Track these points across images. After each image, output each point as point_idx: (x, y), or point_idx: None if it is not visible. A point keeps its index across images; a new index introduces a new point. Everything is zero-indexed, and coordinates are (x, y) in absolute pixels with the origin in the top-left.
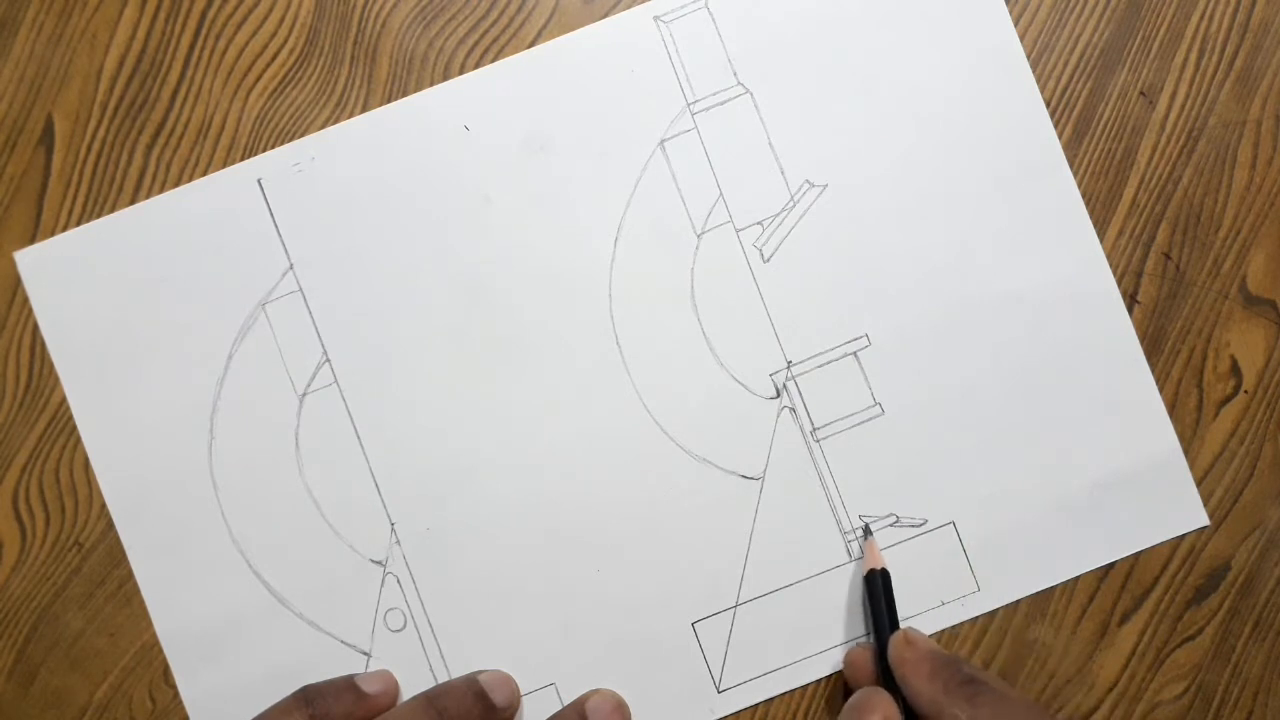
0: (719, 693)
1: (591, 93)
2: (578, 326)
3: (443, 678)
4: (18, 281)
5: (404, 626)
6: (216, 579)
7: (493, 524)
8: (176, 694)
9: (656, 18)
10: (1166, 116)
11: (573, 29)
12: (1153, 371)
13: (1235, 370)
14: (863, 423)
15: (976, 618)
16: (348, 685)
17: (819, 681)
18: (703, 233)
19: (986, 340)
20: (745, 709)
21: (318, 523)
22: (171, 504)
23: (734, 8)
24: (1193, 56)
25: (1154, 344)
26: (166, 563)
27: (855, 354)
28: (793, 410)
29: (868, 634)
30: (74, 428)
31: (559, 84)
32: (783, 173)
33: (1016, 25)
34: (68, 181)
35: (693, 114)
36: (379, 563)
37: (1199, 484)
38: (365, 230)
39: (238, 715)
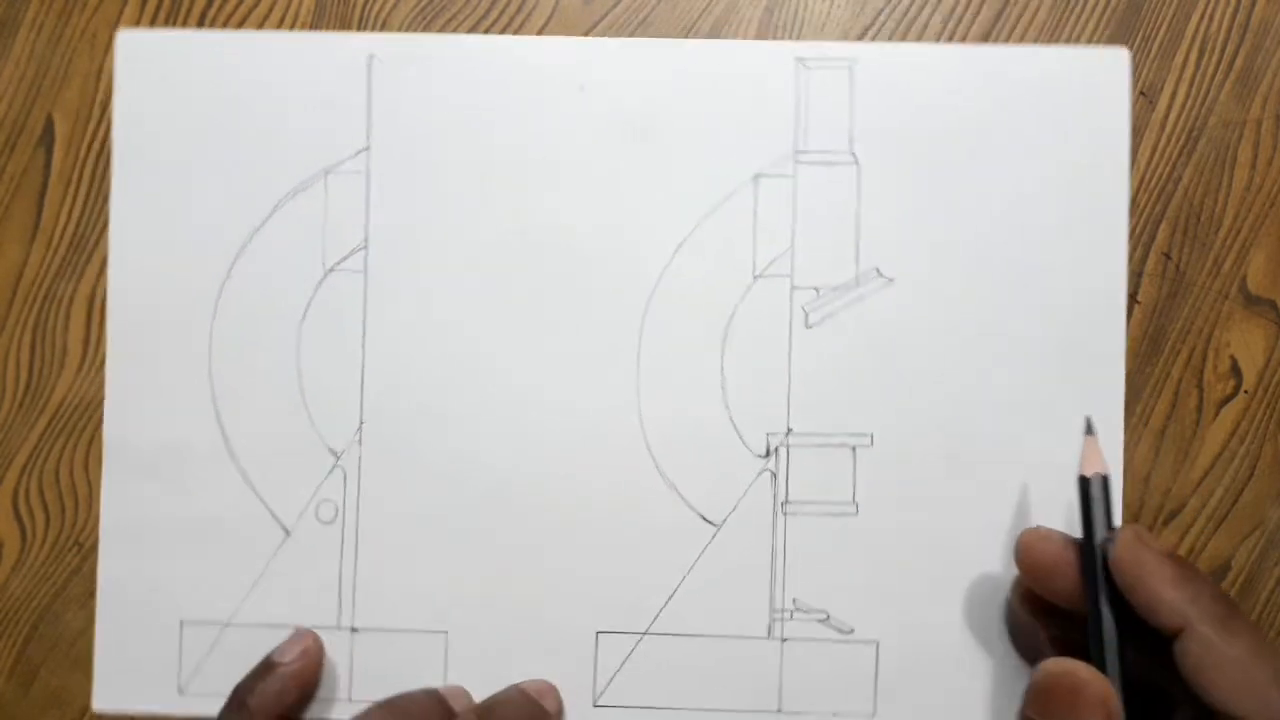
0: (594, 706)
1: (710, 104)
2: (609, 312)
3: (348, 584)
4: (17, 282)
5: (333, 520)
6: (178, 404)
7: (454, 460)
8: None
9: (800, 59)
10: (1166, 116)
11: (573, 30)
12: (1152, 372)
13: (1235, 370)
14: (834, 515)
15: None
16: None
17: None
18: (760, 276)
19: (982, 490)
20: None
21: (293, 393)
22: (167, 316)
23: (877, 80)
24: (1193, 56)
25: (1154, 344)
26: (139, 369)
27: (854, 448)
28: (774, 475)
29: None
30: (74, 427)
31: (683, 82)
32: (857, 253)
33: (1016, 26)
34: (68, 181)
35: (796, 162)
36: (334, 453)
37: (1199, 484)
38: (449, 144)
39: (142, 551)
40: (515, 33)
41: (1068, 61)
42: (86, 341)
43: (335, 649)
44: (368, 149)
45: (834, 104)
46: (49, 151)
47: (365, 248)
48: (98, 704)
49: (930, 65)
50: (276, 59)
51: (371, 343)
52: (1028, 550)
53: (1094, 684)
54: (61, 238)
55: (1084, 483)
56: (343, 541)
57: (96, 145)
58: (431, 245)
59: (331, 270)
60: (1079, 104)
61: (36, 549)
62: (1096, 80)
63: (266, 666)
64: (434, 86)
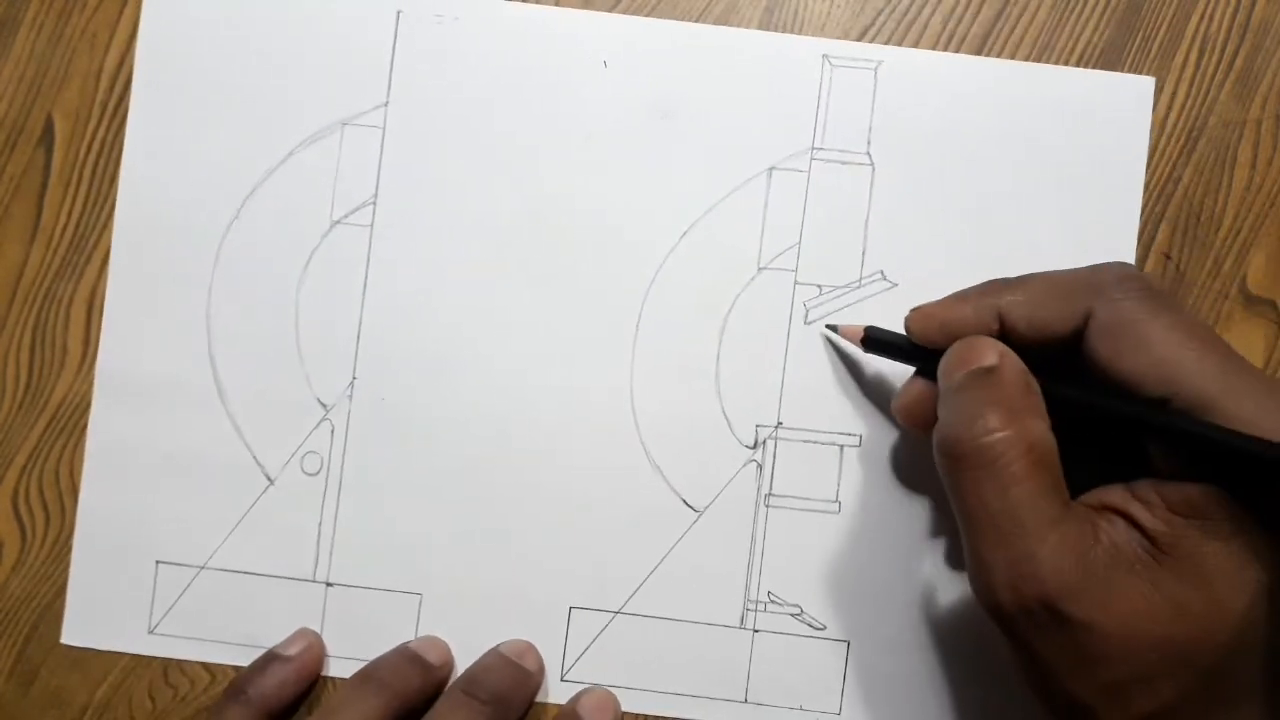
0: (561, 680)
1: (733, 93)
2: (611, 290)
3: (327, 538)
4: (17, 282)
5: (317, 472)
6: (174, 341)
7: (443, 424)
8: (176, 693)
9: (826, 56)
10: (1166, 116)
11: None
12: None
13: None
14: (816, 512)
15: None
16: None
17: (657, 717)
18: (764, 268)
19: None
20: None
21: (288, 342)
22: (172, 253)
23: (900, 83)
24: (1193, 56)
25: None
26: (138, 302)
27: (842, 447)
28: (760, 467)
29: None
30: (74, 428)
31: (708, 68)
32: (863, 255)
33: (1016, 26)
34: (68, 181)
35: (812, 158)
36: (324, 405)
37: None
38: (468, 106)
39: (124, 487)
40: (538, 2)
41: (1093, 84)
42: (86, 341)
43: (309, 602)
44: (387, 104)
45: (855, 104)
46: (49, 151)
47: (374, 203)
48: (66, 637)
49: (953, 75)
50: (305, 5)
51: (371, 299)
52: (904, 413)
53: (983, 338)
54: (61, 238)
55: (869, 342)
56: (325, 495)
57: (96, 145)
58: (440, 207)
59: (338, 223)
60: (1100, 127)
61: (36, 549)
62: (1119, 105)
63: (269, 658)
64: (459, 47)
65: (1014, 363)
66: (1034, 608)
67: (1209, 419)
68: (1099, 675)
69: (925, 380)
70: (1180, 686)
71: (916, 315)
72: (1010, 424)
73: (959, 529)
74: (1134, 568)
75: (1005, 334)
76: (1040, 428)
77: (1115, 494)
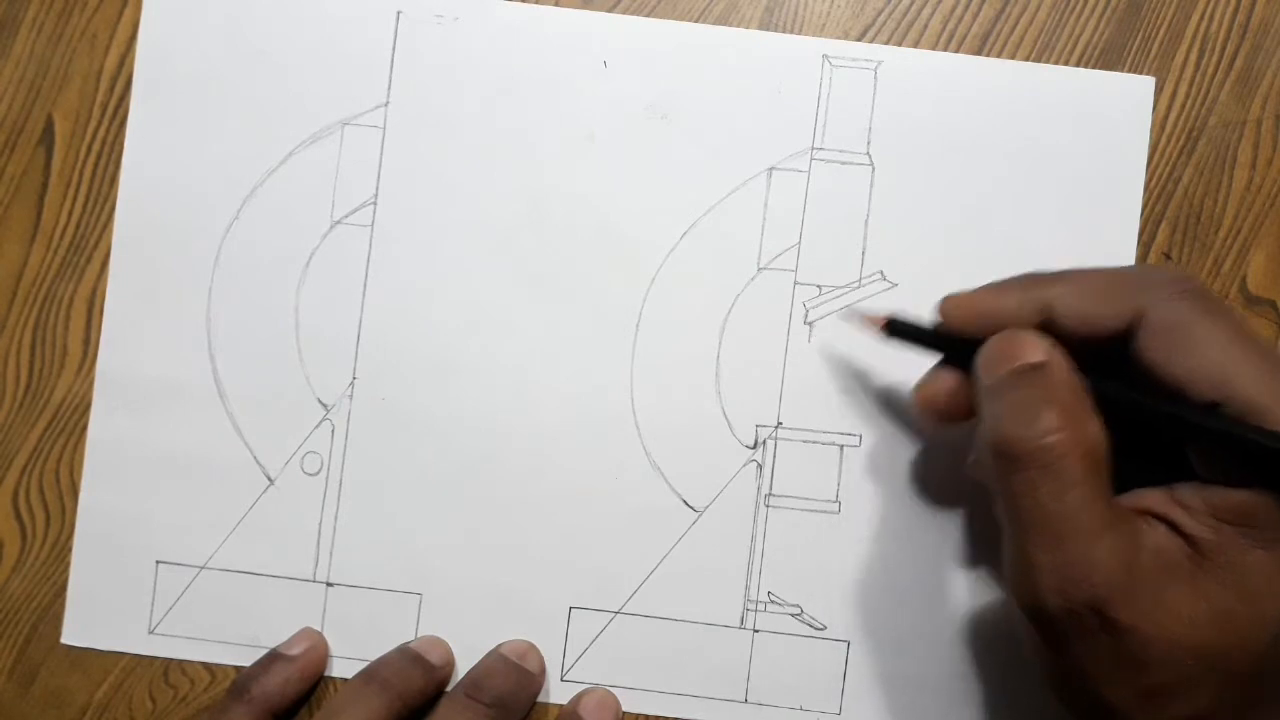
0: (561, 680)
1: (733, 93)
2: (611, 290)
3: (327, 538)
4: (17, 282)
5: (317, 473)
6: (174, 342)
7: (443, 424)
8: (177, 693)
9: (826, 56)
10: (1166, 116)
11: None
12: None
13: None
14: (816, 512)
15: None
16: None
17: (657, 717)
18: (764, 268)
19: (967, 501)
20: None
21: (288, 342)
22: (171, 254)
23: (900, 84)
24: (1193, 56)
25: None
26: (138, 304)
27: (842, 447)
28: (760, 467)
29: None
30: (74, 427)
31: (708, 68)
32: (863, 254)
33: (1016, 26)
34: (68, 181)
35: (812, 158)
36: (324, 405)
37: None
38: (468, 107)
39: (125, 487)
40: (538, 2)
41: (1093, 84)
42: (86, 341)
43: (309, 602)
44: (387, 104)
45: (855, 104)
46: (49, 151)
47: (374, 203)
48: (66, 637)
49: (953, 75)
50: (305, 5)
51: (371, 299)
52: (928, 404)
53: (1029, 332)
54: (61, 238)
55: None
56: (325, 495)
57: (96, 145)
58: (440, 207)
59: (338, 223)
60: (1100, 127)
61: (36, 549)
62: (1119, 105)
63: (272, 657)
64: (458, 48)
65: (1063, 360)
66: (1081, 611)
67: (1261, 425)
68: (1138, 681)
69: (952, 371)
70: (1217, 693)
71: (953, 303)
72: (1068, 424)
73: (1005, 529)
74: (1177, 574)
75: (1047, 328)
76: (1095, 428)
77: (1155, 498)
